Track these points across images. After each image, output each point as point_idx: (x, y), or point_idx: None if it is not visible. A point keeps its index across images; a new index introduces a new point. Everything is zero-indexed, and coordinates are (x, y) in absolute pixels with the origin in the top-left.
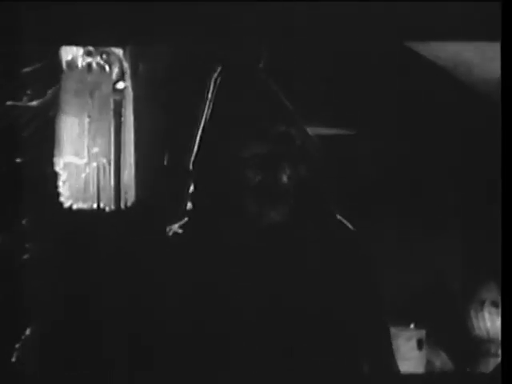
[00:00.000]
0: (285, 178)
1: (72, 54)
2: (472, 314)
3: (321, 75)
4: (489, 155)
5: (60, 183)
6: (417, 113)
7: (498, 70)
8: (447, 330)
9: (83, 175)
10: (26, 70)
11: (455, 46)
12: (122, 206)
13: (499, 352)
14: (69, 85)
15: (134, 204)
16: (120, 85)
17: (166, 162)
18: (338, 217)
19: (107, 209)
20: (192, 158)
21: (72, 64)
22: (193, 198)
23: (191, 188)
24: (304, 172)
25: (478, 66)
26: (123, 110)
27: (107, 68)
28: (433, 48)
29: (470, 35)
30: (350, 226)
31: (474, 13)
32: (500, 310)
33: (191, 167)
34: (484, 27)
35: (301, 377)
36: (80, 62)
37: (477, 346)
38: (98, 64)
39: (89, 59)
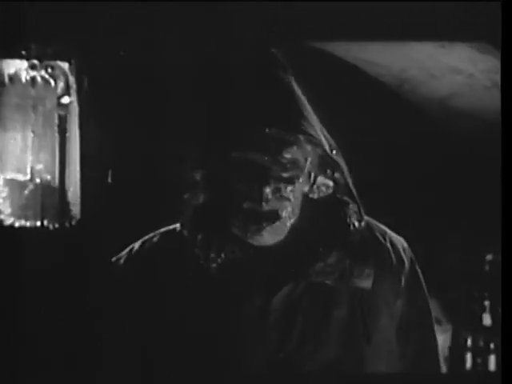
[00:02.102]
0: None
1: (15, 67)
2: None
3: None
4: (434, 175)
5: (0, 200)
6: (362, 134)
7: (442, 89)
8: None
9: (26, 192)
10: None
11: (400, 63)
12: (67, 223)
13: None
14: (11, 99)
15: (79, 221)
16: (65, 99)
17: (110, 179)
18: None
19: (51, 227)
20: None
21: (15, 78)
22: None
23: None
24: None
25: (423, 84)
26: (68, 125)
27: (52, 82)
28: (378, 66)
29: (470, 35)
30: None
31: (474, 13)
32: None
33: None
34: (484, 27)
35: None
36: (24, 76)
37: None
38: (42, 78)
39: (33, 73)
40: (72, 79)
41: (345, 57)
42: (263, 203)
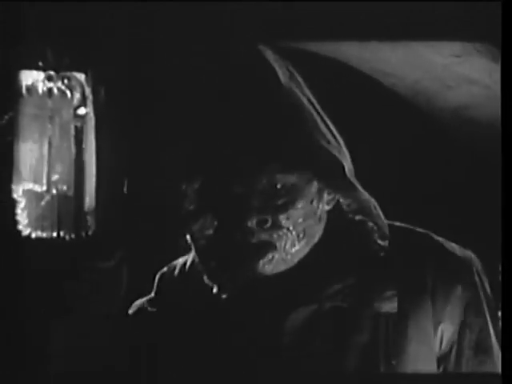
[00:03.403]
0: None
1: (32, 78)
2: None
3: None
4: (443, 187)
5: (18, 211)
6: (377, 144)
7: (455, 99)
8: None
9: (42, 203)
10: None
11: (414, 74)
12: (83, 234)
13: None
14: (28, 110)
15: (94, 232)
16: (81, 110)
17: (126, 190)
18: None
19: (67, 237)
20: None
21: (32, 89)
22: None
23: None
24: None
25: (437, 94)
26: (85, 136)
27: (68, 93)
28: (391, 76)
29: (470, 35)
30: None
31: (474, 13)
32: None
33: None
34: (484, 27)
35: None
36: (41, 87)
37: None
38: (58, 89)
39: (50, 84)
40: (88, 90)
41: (345, 59)
42: (250, 236)
